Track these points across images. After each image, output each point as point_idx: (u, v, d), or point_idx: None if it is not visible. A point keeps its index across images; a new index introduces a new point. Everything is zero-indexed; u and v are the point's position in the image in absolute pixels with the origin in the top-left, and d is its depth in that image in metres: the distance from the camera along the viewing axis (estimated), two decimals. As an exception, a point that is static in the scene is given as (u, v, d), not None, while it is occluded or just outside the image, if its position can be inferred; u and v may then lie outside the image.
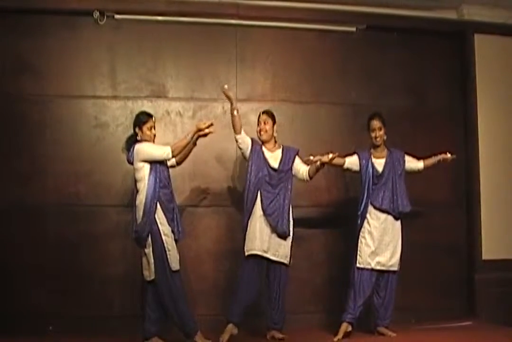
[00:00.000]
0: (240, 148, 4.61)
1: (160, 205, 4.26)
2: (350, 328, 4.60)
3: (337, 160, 4.65)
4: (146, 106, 5.14)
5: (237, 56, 5.33)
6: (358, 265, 4.62)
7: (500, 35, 5.74)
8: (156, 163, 4.30)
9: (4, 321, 4.67)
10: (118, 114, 5.11)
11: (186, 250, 5.04)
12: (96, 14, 5.11)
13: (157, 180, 4.27)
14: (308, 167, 4.55)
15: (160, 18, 5.22)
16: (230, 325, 4.45)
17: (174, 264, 4.28)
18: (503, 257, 5.55)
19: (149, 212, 4.22)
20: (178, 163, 4.54)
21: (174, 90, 5.25)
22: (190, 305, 4.38)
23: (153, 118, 4.42)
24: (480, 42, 5.69)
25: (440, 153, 4.83)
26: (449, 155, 4.80)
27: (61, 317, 4.80)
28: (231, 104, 4.47)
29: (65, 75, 5.10)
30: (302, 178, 4.60)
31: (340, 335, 4.55)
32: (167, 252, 4.24)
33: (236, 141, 4.58)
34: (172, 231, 4.29)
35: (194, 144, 4.40)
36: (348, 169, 4.79)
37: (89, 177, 5.00)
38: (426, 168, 4.84)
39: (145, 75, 5.21)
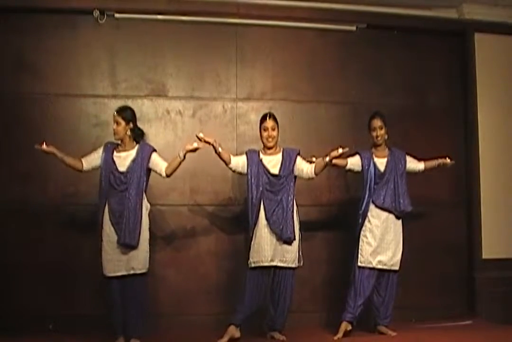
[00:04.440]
0: (238, 172, 4.56)
1: (108, 206, 4.25)
2: (350, 327, 4.59)
3: (340, 162, 4.64)
4: (146, 105, 5.17)
5: (237, 55, 5.33)
6: (359, 263, 4.61)
7: (501, 34, 5.73)
8: (105, 166, 4.30)
9: (4, 320, 4.67)
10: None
11: (186, 249, 5.07)
12: (96, 13, 5.11)
13: (104, 181, 4.27)
14: (313, 164, 4.49)
15: (160, 17, 5.22)
16: (232, 327, 4.42)
17: (104, 269, 4.23)
18: (503, 256, 5.55)
19: (98, 213, 4.26)
20: (168, 175, 4.36)
21: (174, 89, 5.25)
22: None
23: (115, 113, 4.33)
24: (480, 41, 5.69)
25: (441, 157, 4.84)
26: (448, 160, 4.82)
27: (61, 316, 4.80)
28: (213, 146, 4.34)
29: (65, 74, 5.10)
30: (307, 176, 4.53)
31: (340, 334, 4.55)
32: (102, 256, 4.23)
33: (231, 169, 4.54)
34: (117, 234, 4.19)
35: (184, 157, 4.28)
36: (350, 170, 4.77)
37: (89, 176, 4.95)
38: (426, 170, 4.84)
39: (145, 74, 5.21)
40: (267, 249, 4.39)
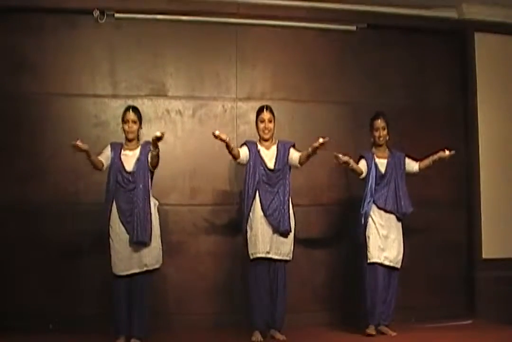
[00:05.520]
0: (243, 164, 4.56)
1: (116, 205, 4.28)
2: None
3: (357, 168, 4.63)
4: (146, 105, 5.16)
5: (237, 55, 5.33)
6: (368, 260, 4.59)
7: (500, 34, 5.74)
8: (113, 165, 4.33)
9: (4, 319, 4.66)
10: (118, 113, 5.01)
11: (186, 249, 5.08)
12: (96, 13, 5.11)
13: (112, 180, 4.30)
14: (300, 153, 4.51)
15: (160, 17, 5.22)
16: (256, 333, 4.43)
17: (115, 268, 4.25)
18: (503, 256, 5.55)
19: (105, 212, 4.28)
20: (154, 167, 4.39)
21: (174, 89, 5.25)
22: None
23: (130, 111, 4.38)
24: (480, 40, 5.69)
25: (437, 151, 4.78)
26: (447, 152, 4.71)
27: (61, 315, 4.80)
28: (227, 143, 4.34)
29: (65, 74, 5.10)
30: (294, 165, 4.54)
31: (372, 331, 4.57)
32: (111, 254, 4.26)
33: (238, 163, 4.57)
34: (128, 233, 4.23)
35: (157, 147, 4.25)
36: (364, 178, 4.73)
37: (88, 176, 4.96)
38: (421, 170, 4.79)
39: (145, 74, 5.21)
40: (264, 240, 4.40)
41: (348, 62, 5.53)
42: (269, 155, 4.55)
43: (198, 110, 5.27)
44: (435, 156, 4.74)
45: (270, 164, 4.52)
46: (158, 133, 4.14)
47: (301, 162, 4.51)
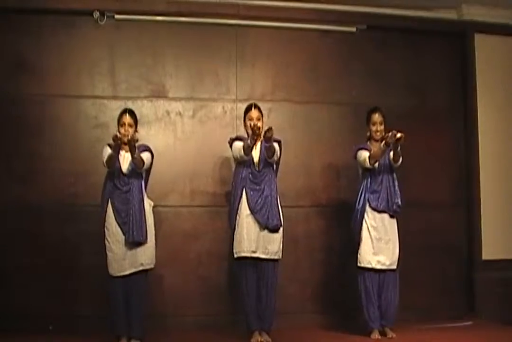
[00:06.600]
0: (243, 160, 4.52)
1: (112, 206, 4.30)
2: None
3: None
4: (146, 106, 5.16)
5: (237, 56, 5.33)
6: (359, 264, 4.59)
7: (501, 35, 5.75)
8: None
9: (4, 320, 4.67)
10: (118, 115, 5.09)
11: (186, 251, 5.08)
12: (96, 14, 5.12)
13: (109, 180, 4.34)
14: None
15: (160, 18, 5.22)
16: (256, 334, 4.39)
17: (111, 269, 4.27)
18: (503, 257, 5.55)
19: (101, 213, 4.31)
20: (139, 169, 4.37)
21: (174, 90, 5.25)
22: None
23: (127, 114, 4.38)
24: (481, 42, 5.70)
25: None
26: (389, 134, 4.42)
27: (61, 316, 4.80)
28: (257, 138, 4.34)
29: (64, 75, 5.10)
30: (267, 160, 4.48)
31: (377, 336, 4.55)
32: (107, 255, 4.28)
33: (242, 159, 4.50)
34: (124, 233, 4.25)
35: (132, 150, 4.26)
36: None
37: (88, 177, 4.98)
38: (394, 157, 4.59)
39: (145, 75, 5.21)
40: (249, 239, 4.36)
41: (348, 63, 5.53)
42: (256, 154, 4.52)
43: (198, 111, 5.26)
44: (383, 142, 4.50)
45: (257, 162, 4.50)
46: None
47: (267, 155, 4.45)
